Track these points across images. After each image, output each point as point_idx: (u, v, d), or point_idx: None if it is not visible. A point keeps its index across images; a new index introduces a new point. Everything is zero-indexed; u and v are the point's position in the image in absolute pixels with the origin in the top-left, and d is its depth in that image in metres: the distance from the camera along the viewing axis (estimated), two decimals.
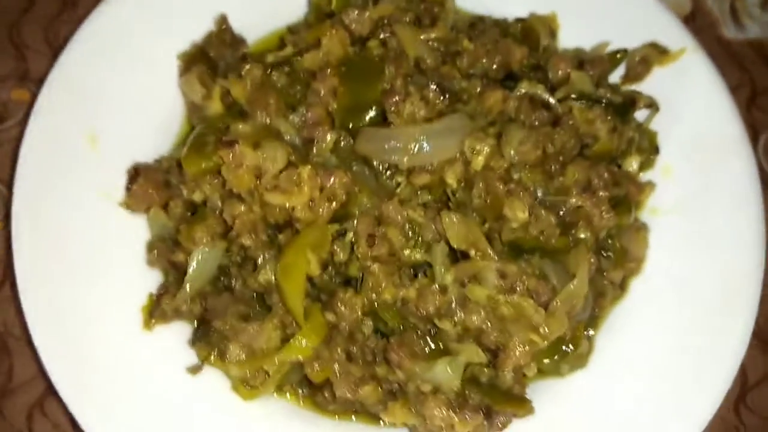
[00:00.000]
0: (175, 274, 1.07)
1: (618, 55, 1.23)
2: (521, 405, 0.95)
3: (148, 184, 1.10)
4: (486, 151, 1.00)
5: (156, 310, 1.04)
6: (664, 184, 1.19)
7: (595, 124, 1.07)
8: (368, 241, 1.00)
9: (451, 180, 1.02)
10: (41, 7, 1.40)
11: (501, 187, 0.98)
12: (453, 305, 0.97)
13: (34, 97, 1.32)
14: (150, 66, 1.20)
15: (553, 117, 1.09)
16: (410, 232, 1.00)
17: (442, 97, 1.05)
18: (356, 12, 1.11)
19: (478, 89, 1.10)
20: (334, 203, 0.99)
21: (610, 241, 1.09)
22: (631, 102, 1.13)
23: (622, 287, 1.14)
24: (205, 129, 1.08)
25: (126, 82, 1.18)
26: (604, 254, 1.09)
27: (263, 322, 1.00)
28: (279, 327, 0.99)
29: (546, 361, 1.03)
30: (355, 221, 1.00)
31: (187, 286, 1.03)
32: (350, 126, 1.05)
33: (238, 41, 1.23)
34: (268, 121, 1.04)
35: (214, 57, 1.19)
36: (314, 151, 1.03)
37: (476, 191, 1.00)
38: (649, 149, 1.18)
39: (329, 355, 0.98)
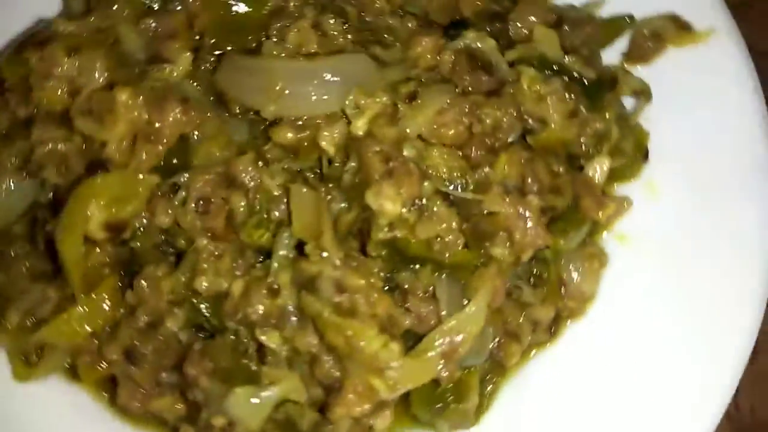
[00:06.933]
0: None
1: (621, 22, 0.92)
2: None
3: None
4: (372, 112, 0.71)
5: None
6: (646, 204, 0.88)
7: (546, 102, 0.76)
8: (201, 206, 0.74)
9: (327, 145, 0.73)
10: None
11: (378, 164, 0.69)
12: (286, 315, 0.70)
13: None
14: None
15: (494, 84, 0.78)
16: (258, 205, 0.73)
17: (344, 27, 0.76)
18: None
19: (409, 30, 0.82)
20: (159, 146, 0.73)
21: (539, 267, 0.79)
22: (609, 82, 0.81)
23: (552, 331, 0.84)
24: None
25: None
26: (531, 282, 0.80)
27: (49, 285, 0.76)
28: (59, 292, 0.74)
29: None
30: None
31: None
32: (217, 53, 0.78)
33: None
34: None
35: None
36: (156, 72, 0.76)
37: (349, 166, 0.72)
38: (634, 153, 0.86)
39: (113, 348, 0.72)
